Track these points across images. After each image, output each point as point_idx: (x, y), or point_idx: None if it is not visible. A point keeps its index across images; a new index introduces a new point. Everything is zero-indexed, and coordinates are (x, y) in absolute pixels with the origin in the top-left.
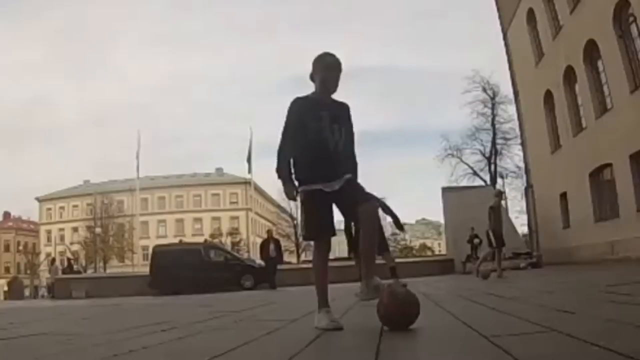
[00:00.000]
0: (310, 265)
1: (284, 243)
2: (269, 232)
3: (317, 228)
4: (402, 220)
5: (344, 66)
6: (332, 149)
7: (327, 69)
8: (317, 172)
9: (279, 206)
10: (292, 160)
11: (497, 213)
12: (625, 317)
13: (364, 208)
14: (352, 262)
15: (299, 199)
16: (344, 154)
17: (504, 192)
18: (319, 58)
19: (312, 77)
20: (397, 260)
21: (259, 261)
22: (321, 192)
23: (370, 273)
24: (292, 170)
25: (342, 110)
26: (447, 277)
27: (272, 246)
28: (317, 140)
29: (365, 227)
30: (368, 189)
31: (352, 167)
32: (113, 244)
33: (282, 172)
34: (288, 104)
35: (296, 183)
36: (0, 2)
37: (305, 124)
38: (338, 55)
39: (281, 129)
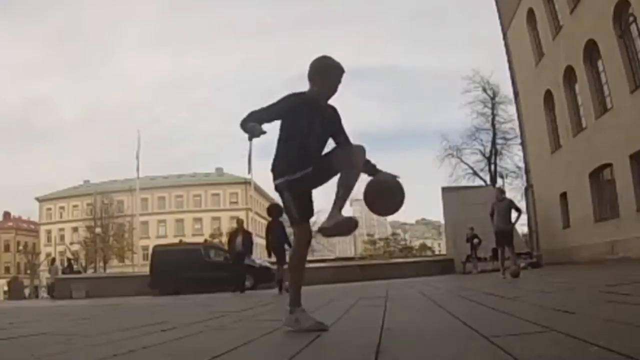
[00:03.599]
0: (309, 265)
1: None
2: (238, 221)
3: (301, 211)
4: (402, 220)
5: (346, 66)
6: (313, 152)
7: (337, 74)
8: (295, 166)
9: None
10: (276, 153)
11: (496, 211)
12: (625, 317)
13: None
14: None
15: (285, 191)
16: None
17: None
18: (327, 62)
19: (311, 77)
20: (397, 260)
21: (259, 261)
22: (299, 181)
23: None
24: (275, 163)
25: (332, 114)
26: (447, 277)
27: (239, 239)
28: (304, 144)
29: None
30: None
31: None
32: (113, 244)
33: (247, 121)
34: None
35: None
36: (1, 2)
37: (297, 122)
38: (338, 56)
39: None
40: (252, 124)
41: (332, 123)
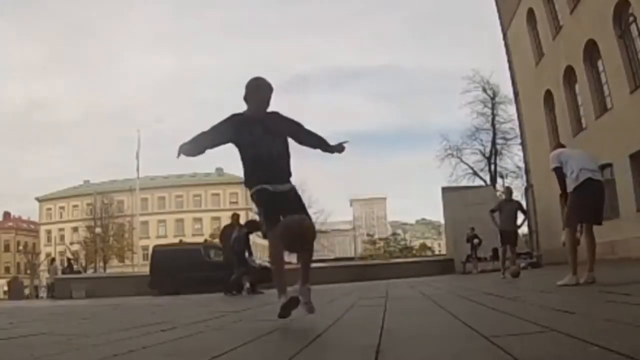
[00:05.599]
0: (313, 265)
1: None
2: (234, 216)
3: (276, 220)
4: (403, 220)
5: (346, 66)
6: (267, 158)
7: (267, 91)
8: (257, 177)
9: None
10: (243, 169)
11: (502, 211)
12: (625, 317)
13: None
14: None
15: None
16: (279, 159)
17: (501, 192)
18: (250, 83)
19: (245, 98)
20: (397, 260)
21: (259, 261)
22: (267, 190)
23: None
24: (244, 178)
25: (274, 119)
26: (447, 277)
27: (236, 234)
28: (253, 154)
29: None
30: (368, 189)
31: (318, 141)
32: (113, 244)
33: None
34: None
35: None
36: (1, 2)
37: (241, 139)
38: (339, 56)
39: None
40: (187, 147)
41: (280, 124)
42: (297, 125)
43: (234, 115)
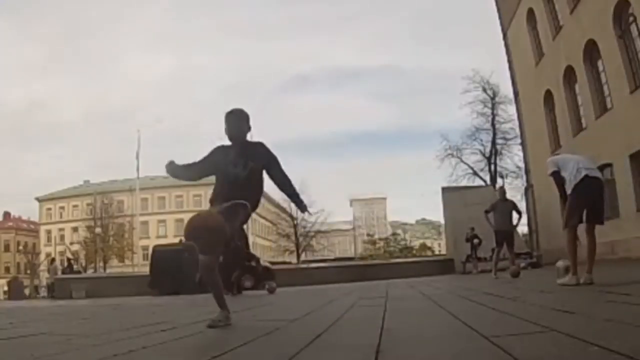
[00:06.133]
0: (308, 266)
1: (283, 243)
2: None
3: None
4: (403, 220)
5: (346, 66)
6: (232, 180)
7: (229, 122)
8: (215, 195)
9: (278, 206)
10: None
11: (497, 211)
12: (625, 317)
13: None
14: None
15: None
16: (244, 183)
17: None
18: (227, 112)
19: (225, 130)
20: (397, 260)
21: (262, 262)
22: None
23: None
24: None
25: (252, 148)
26: (447, 277)
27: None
28: (221, 174)
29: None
30: (368, 189)
31: (287, 186)
32: (113, 244)
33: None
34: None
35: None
36: (2, 2)
37: (218, 165)
38: (339, 56)
39: (280, 131)
40: (178, 169)
41: (258, 154)
42: (274, 161)
43: (219, 147)
